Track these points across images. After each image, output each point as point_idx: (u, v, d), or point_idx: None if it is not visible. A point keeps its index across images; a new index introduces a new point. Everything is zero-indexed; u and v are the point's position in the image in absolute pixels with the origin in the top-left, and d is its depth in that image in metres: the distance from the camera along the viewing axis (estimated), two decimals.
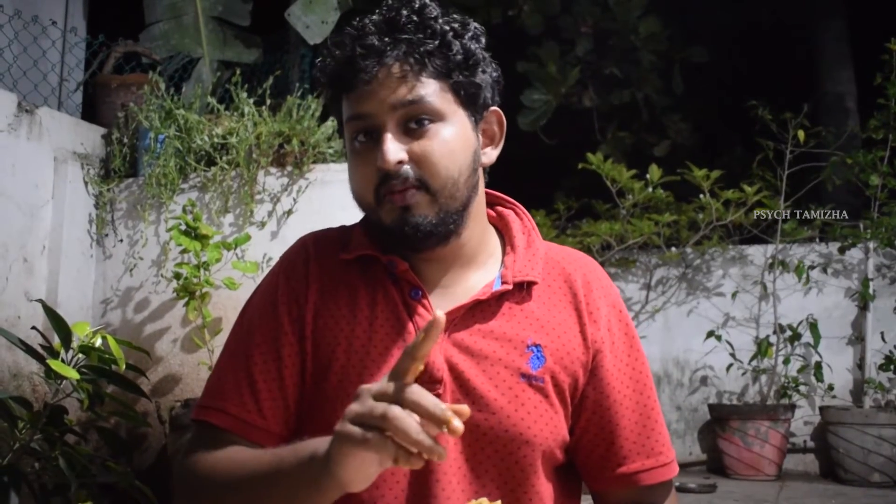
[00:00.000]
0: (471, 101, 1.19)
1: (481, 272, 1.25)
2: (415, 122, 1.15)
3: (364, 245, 1.24)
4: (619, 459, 1.24)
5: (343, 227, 1.33)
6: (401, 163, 1.14)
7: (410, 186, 1.14)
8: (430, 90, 1.15)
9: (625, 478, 1.24)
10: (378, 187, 1.16)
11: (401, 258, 1.22)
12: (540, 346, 1.21)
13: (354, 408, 0.93)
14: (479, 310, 1.21)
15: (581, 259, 1.31)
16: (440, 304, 1.21)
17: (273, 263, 1.36)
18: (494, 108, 1.25)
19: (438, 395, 1.16)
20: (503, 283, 1.22)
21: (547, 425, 1.20)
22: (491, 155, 1.25)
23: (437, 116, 1.16)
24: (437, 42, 1.16)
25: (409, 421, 0.89)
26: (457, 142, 1.17)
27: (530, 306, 1.23)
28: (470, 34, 1.19)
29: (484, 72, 1.21)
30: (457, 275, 1.24)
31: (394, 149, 1.13)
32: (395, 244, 1.20)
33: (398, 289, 1.22)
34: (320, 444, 1.00)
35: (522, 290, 1.23)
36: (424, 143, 1.15)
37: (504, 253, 1.27)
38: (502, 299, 1.22)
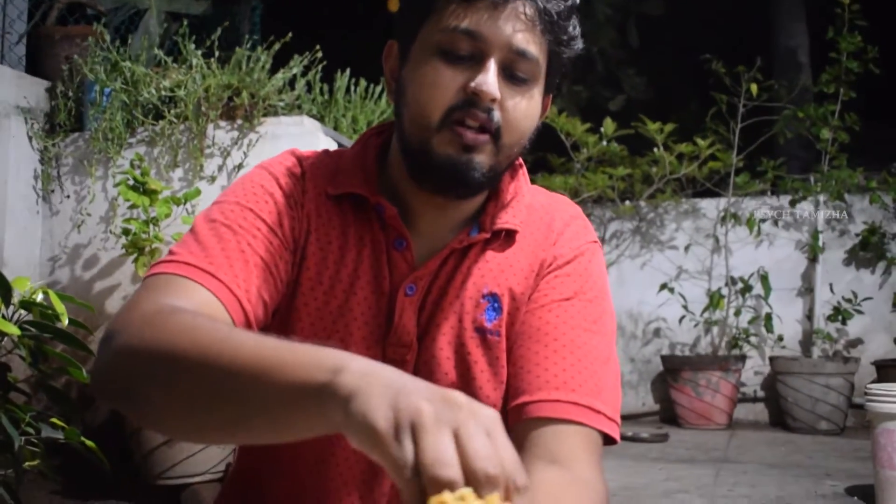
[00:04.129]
0: (552, 79, 1.15)
1: (467, 218, 1.19)
2: (517, 73, 1.09)
3: (354, 182, 1.17)
4: (518, 392, 1.11)
5: (328, 154, 1.23)
6: (494, 101, 1.07)
7: (487, 130, 1.08)
8: (541, 52, 1.10)
9: (517, 410, 1.09)
10: (452, 110, 1.07)
11: (390, 202, 1.15)
12: (496, 295, 1.16)
13: (435, 431, 0.66)
14: (453, 258, 1.16)
15: (566, 206, 1.25)
16: (422, 253, 1.16)
17: None
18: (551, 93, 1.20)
19: (405, 362, 1.13)
20: (481, 230, 1.17)
21: (493, 382, 1.15)
22: None
23: (534, 80, 1.10)
24: (565, 9, 1.10)
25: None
26: (535, 110, 1.13)
27: (501, 254, 1.18)
28: (576, 15, 1.14)
29: (572, 57, 1.16)
30: (445, 220, 1.18)
31: (497, 84, 1.07)
32: (426, 180, 1.12)
33: (385, 234, 1.16)
34: (347, 367, 0.72)
35: (500, 237, 1.18)
36: (518, 99, 1.09)
37: (489, 199, 1.19)
38: (476, 247, 1.17)
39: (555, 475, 1.01)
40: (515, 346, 1.15)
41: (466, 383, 1.14)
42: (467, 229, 1.18)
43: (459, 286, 1.16)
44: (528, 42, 1.07)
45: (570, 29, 1.12)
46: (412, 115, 1.10)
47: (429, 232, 1.17)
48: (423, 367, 1.14)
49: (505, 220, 1.18)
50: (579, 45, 1.15)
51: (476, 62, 1.07)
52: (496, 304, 1.16)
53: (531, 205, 1.22)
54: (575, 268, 1.18)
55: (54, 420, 1.73)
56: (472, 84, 1.06)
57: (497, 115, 1.07)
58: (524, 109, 1.10)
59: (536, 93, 1.12)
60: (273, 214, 1.13)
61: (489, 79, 1.05)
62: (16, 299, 1.71)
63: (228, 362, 0.80)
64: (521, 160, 1.24)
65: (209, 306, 1.00)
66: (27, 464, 2.00)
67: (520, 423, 1.08)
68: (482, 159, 1.08)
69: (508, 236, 1.19)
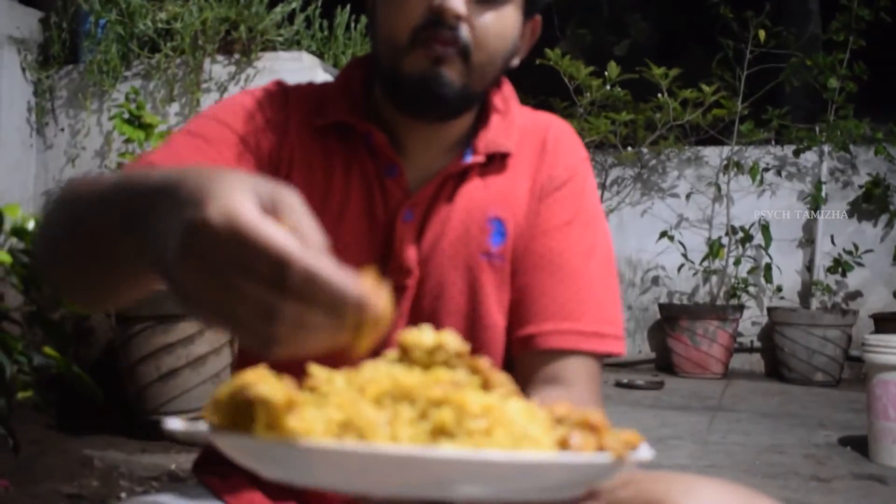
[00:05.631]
0: (531, 0, 1.12)
1: (458, 142, 1.17)
2: None
3: (340, 111, 1.15)
4: (524, 321, 1.13)
5: (313, 86, 1.21)
6: (459, 18, 1.04)
7: (455, 46, 1.05)
8: None
9: (524, 341, 1.12)
10: (419, 29, 1.04)
11: (379, 129, 1.13)
12: (501, 221, 1.15)
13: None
14: (450, 183, 1.15)
15: (556, 123, 1.24)
16: (415, 180, 1.14)
17: None
18: (538, 15, 1.17)
19: (406, 287, 1.12)
20: (474, 153, 1.15)
21: (498, 307, 1.15)
22: (516, 60, 1.17)
23: None
24: None
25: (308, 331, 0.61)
26: (509, 30, 1.10)
27: (500, 178, 1.17)
28: None
29: None
30: (435, 145, 1.16)
31: (462, 0, 1.04)
32: (399, 100, 1.10)
33: (374, 162, 1.14)
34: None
35: (494, 161, 1.17)
36: (488, 16, 1.06)
37: (479, 121, 1.17)
38: (473, 171, 1.16)
39: (555, 394, 1.07)
40: (519, 274, 1.15)
41: (474, 308, 1.14)
42: (460, 153, 1.16)
43: (462, 211, 1.14)
44: None
45: None
46: (382, 37, 1.09)
47: (420, 158, 1.16)
48: (429, 294, 1.13)
49: (498, 143, 1.16)
50: None
51: None
52: (501, 229, 1.15)
53: (523, 126, 1.21)
54: (572, 189, 1.18)
55: (46, 349, 1.71)
56: (436, 1, 1.03)
57: (465, 32, 1.05)
58: (495, 27, 1.07)
59: (510, 11, 1.09)
60: (250, 134, 1.12)
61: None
62: (7, 227, 1.68)
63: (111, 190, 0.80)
64: (508, 82, 1.22)
65: None
66: (20, 394, 1.99)
67: (527, 354, 1.12)
68: (451, 74, 1.06)
69: (503, 160, 1.17)
